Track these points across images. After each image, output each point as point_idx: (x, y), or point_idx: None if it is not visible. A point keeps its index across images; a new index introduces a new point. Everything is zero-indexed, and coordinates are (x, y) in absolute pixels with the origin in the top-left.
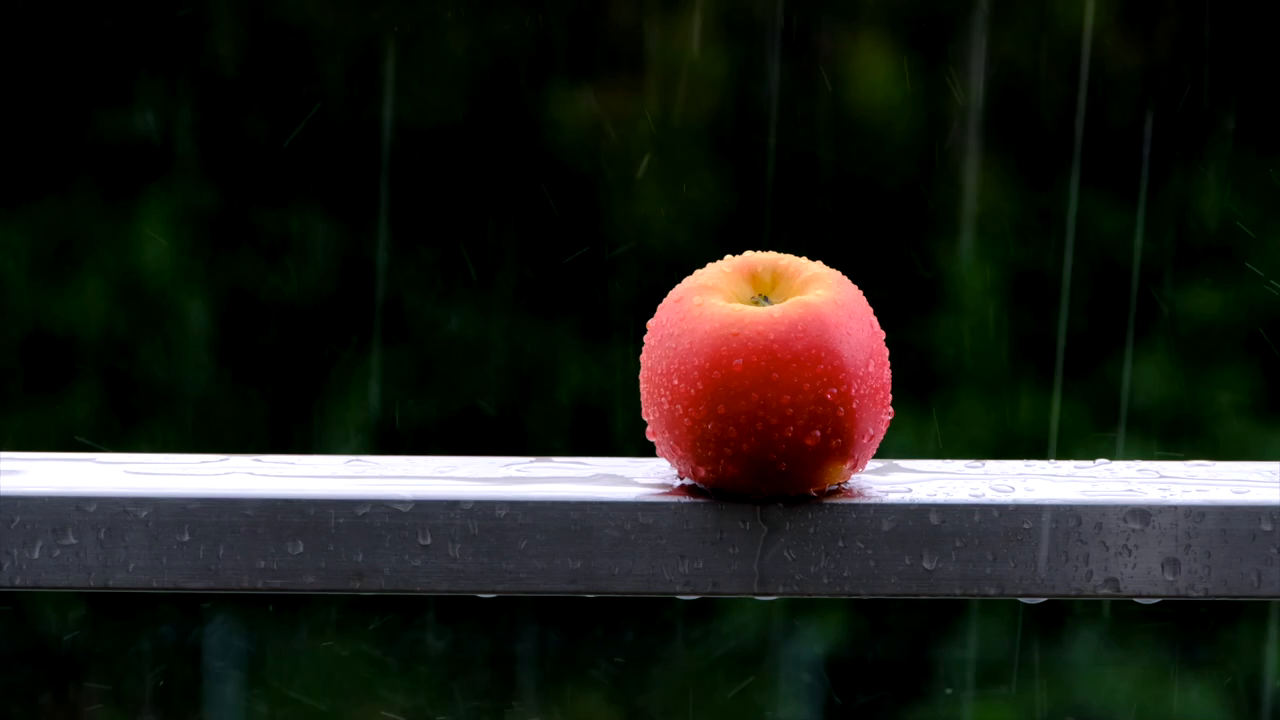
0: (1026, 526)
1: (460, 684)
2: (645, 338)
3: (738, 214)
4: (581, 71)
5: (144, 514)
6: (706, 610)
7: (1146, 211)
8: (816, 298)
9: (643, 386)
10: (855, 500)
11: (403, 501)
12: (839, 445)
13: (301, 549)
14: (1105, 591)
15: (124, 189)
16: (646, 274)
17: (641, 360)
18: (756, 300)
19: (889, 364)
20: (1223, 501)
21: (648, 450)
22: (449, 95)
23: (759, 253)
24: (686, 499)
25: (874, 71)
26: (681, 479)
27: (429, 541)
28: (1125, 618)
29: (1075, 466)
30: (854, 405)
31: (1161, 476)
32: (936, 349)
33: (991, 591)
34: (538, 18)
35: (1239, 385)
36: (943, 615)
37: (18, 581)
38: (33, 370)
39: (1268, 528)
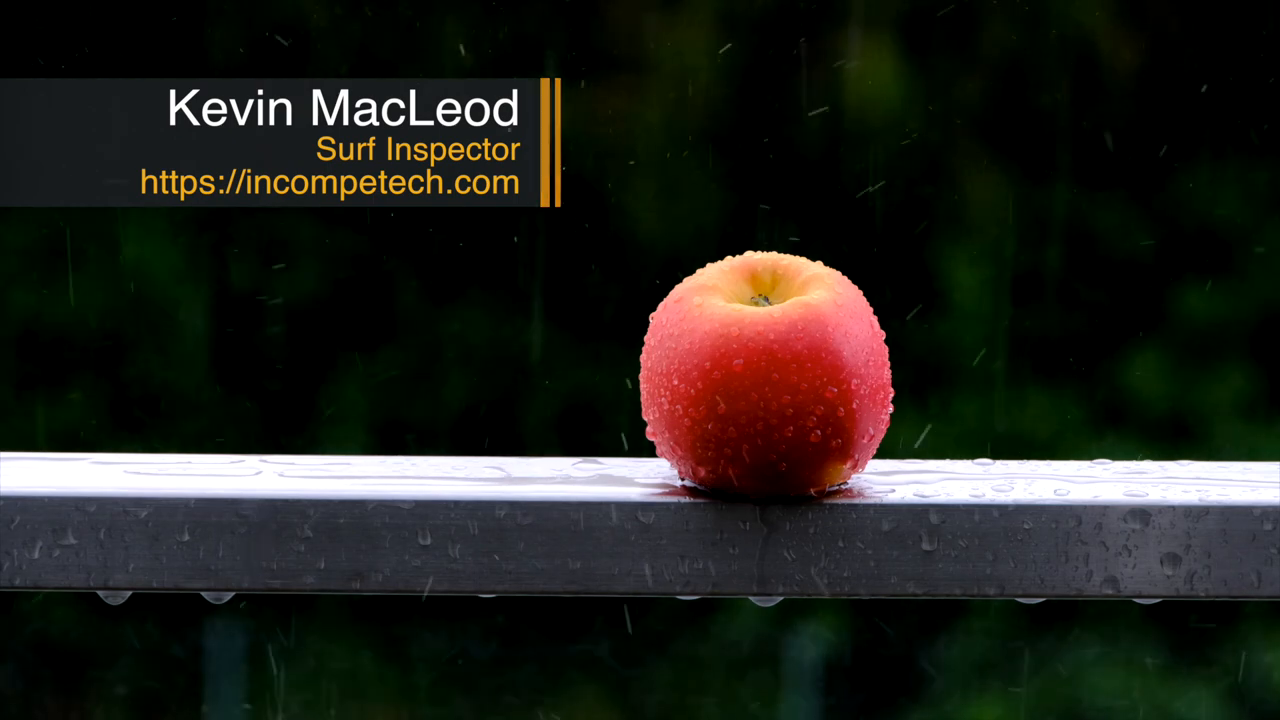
0: (1026, 526)
1: (460, 684)
2: (645, 338)
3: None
4: (580, 71)
5: (144, 514)
6: (706, 610)
7: (1146, 211)
8: (816, 298)
9: (643, 386)
10: (855, 500)
11: (403, 501)
12: (839, 445)
13: (301, 549)
14: (1105, 592)
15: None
16: (646, 274)
17: (641, 360)
18: (756, 300)
19: (889, 364)
20: (1223, 501)
21: (647, 450)
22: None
23: (759, 253)
24: (686, 499)
25: (875, 72)
26: (681, 479)
27: (429, 541)
28: (1125, 618)
29: (1075, 466)
30: (854, 405)
31: (1161, 476)
32: (936, 349)
33: (991, 591)
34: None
35: (1238, 385)
36: (942, 615)
37: (18, 581)
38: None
39: (1268, 528)
